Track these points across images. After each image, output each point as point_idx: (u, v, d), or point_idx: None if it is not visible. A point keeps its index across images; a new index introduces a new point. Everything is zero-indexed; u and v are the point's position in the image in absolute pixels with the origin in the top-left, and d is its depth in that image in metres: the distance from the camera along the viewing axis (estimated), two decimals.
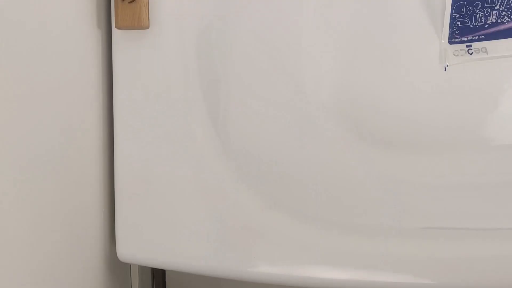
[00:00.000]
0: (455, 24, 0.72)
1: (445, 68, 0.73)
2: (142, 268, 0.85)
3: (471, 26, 0.72)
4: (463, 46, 0.73)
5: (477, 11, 0.72)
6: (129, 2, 0.61)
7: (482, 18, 0.72)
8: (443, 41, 0.72)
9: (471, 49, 0.72)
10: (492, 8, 0.71)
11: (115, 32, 0.64)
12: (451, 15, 0.72)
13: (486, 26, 0.72)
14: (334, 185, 0.67)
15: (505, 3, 0.71)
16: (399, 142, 0.72)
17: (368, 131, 0.72)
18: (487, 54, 0.72)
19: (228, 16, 0.66)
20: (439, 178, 0.70)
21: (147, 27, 0.62)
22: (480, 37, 0.72)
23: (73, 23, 0.60)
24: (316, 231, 0.64)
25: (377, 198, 0.66)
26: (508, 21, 0.71)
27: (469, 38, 0.72)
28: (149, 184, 0.66)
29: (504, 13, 0.71)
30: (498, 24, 0.72)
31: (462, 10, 0.72)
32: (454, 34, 0.72)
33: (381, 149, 0.71)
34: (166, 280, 0.99)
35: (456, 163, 0.71)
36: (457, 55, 0.73)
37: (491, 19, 0.72)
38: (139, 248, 0.67)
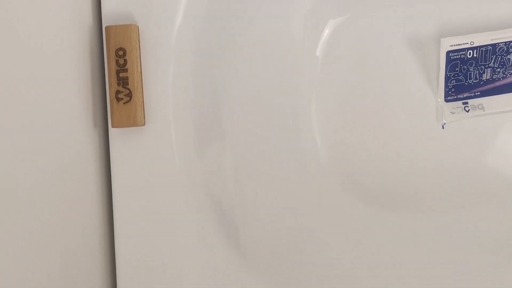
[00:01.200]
0: (450, 83, 0.72)
1: (442, 126, 0.72)
2: None
3: (466, 84, 0.72)
4: (459, 103, 0.72)
5: (471, 69, 0.71)
6: (124, 103, 0.60)
7: (477, 75, 0.72)
8: (439, 99, 0.72)
9: (468, 106, 0.72)
10: (487, 66, 0.71)
11: (112, 130, 0.63)
12: (446, 74, 0.72)
13: (482, 83, 0.72)
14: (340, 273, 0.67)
15: (499, 60, 0.71)
16: (403, 205, 0.73)
17: (374, 197, 0.72)
18: (483, 111, 0.72)
19: (223, 110, 0.66)
20: (442, 240, 0.71)
21: (143, 125, 0.61)
22: (476, 93, 0.72)
23: (69, 123, 0.59)
24: None
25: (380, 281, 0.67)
26: (503, 77, 0.71)
27: (465, 95, 0.72)
28: (153, 274, 0.65)
29: (498, 69, 0.71)
30: (493, 80, 0.72)
31: (457, 69, 0.71)
32: (450, 92, 0.72)
33: (389, 215, 0.72)
34: None
35: (458, 223, 0.72)
36: (454, 113, 0.72)
37: (486, 76, 0.71)
38: None
